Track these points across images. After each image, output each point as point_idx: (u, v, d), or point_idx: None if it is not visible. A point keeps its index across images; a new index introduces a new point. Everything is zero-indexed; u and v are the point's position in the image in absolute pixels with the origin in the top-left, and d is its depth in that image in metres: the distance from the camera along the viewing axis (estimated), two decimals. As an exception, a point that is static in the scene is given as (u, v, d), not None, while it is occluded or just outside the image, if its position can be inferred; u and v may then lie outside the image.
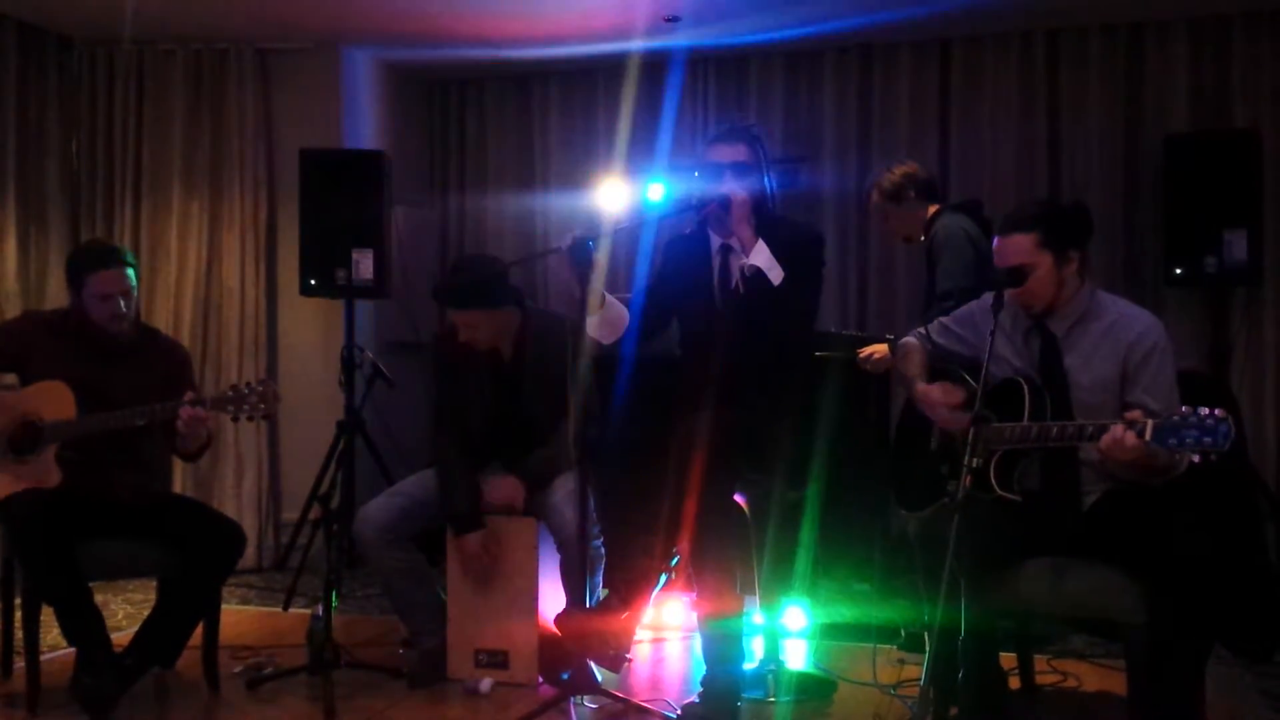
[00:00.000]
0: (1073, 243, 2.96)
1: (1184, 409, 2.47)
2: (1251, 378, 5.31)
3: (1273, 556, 4.49)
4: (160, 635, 3.48)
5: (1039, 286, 2.93)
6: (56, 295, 5.54)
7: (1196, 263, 4.92)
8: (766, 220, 3.31)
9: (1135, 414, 2.58)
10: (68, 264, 3.61)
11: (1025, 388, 2.89)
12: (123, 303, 3.49)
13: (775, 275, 3.19)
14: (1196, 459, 2.51)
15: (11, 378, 3.57)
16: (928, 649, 2.78)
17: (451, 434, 3.73)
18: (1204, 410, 2.44)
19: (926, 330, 3.25)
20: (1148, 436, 2.51)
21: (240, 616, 4.58)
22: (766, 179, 3.37)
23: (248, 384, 3.41)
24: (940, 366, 3.21)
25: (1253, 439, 5.15)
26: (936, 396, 3.09)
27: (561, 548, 3.57)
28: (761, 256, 3.21)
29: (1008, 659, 3.11)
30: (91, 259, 3.53)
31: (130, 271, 3.52)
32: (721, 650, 3.22)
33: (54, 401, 3.41)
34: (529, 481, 3.65)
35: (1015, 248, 2.94)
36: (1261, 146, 4.99)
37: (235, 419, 3.42)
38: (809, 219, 4.93)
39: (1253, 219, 4.89)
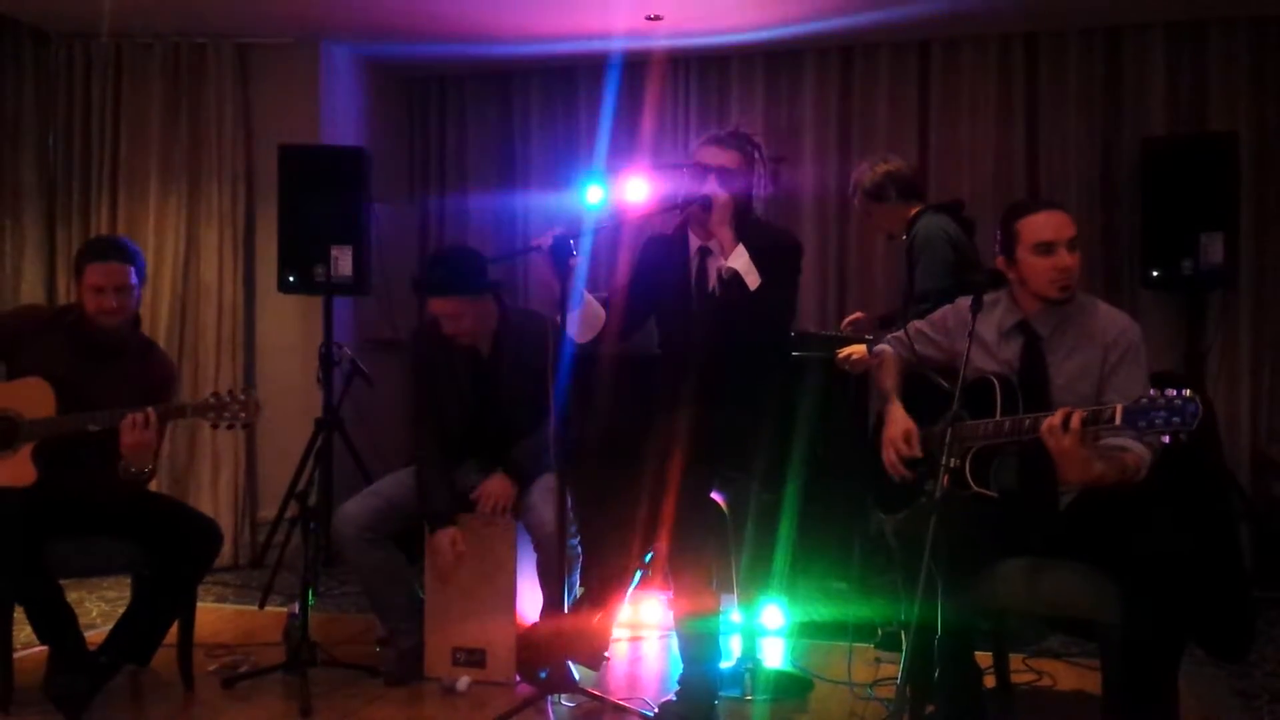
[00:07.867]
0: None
1: (1152, 391, 2.49)
2: (1227, 380, 5.35)
3: (1247, 557, 4.52)
4: (135, 633, 3.46)
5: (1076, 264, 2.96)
6: (32, 289, 5.51)
7: (1173, 265, 4.95)
8: (747, 225, 3.32)
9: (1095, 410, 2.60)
10: (75, 256, 3.62)
11: (996, 384, 2.91)
12: (114, 298, 3.46)
13: (752, 280, 3.20)
14: (1166, 439, 2.53)
15: None
16: (904, 648, 2.79)
17: (430, 430, 3.72)
18: (1171, 391, 2.45)
19: (908, 337, 3.25)
20: (1117, 420, 2.52)
21: (216, 614, 4.56)
22: (756, 187, 3.40)
23: (229, 392, 3.39)
24: (918, 373, 3.22)
25: (1227, 441, 5.19)
26: (896, 435, 3.06)
27: (539, 547, 3.56)
28: (740, 260, 3.21)
29: (984, 658, 3.12)
30: (91, 251, 3.54)
31: (130, 269, 3.50)
32: (698, 649, 3.23)
33: (33, 398, 3.39)
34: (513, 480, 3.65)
35: (1068, 221, 2.96)
36: (1238, 150, 5.03)
37: (215, 426, 3.40)
38: (788, 227, 4.93)
39: (1229, 222, 4.92)
